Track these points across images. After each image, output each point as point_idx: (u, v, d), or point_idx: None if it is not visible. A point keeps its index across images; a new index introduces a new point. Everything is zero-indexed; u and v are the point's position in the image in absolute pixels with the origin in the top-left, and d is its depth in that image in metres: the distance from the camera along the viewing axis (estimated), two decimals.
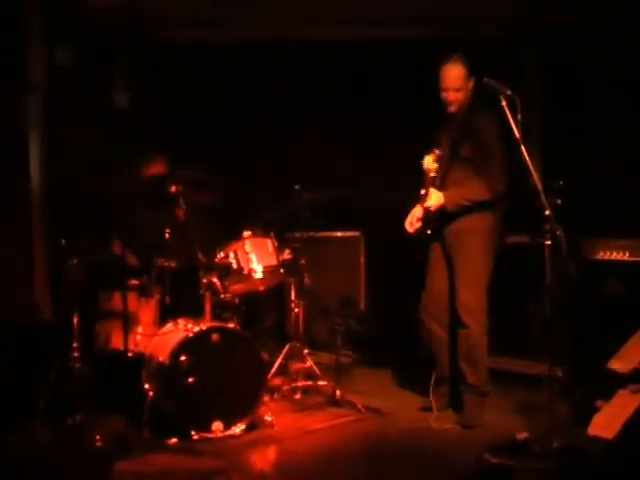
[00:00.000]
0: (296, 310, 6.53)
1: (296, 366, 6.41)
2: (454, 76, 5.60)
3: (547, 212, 4.57)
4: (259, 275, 6.00)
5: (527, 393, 6.07)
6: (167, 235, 6.06)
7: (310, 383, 6.42)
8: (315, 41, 8.10)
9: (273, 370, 6.31)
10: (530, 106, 7.28)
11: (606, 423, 4.81)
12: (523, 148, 4.67)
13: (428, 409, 5.79)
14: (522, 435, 5.01)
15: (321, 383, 6.36)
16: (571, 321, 5.70)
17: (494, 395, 6.02)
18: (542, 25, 7.65)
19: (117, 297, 5.87)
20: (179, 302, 6.10)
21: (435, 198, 5.57)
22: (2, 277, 6.36)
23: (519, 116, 4.68)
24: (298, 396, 6.36)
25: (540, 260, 4.68)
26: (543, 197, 4.60)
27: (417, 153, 5.65)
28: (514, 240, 6.64)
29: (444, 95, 5.65)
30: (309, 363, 6.40)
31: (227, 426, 5.40)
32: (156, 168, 6.55)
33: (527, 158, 4.66)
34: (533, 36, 7.86)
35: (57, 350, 5.74)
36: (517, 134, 4.69)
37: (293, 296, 6.56)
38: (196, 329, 5.50)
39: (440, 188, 5.60)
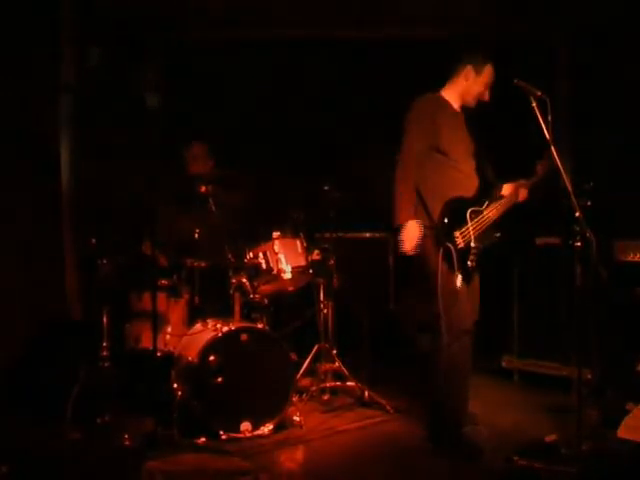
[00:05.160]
0: (325, 311, 6.53)
1: (325, 367, 6.42)
2: None
3: (577, 214, 4.55)
4: (288, 275, 6.00)
5: (556, 395, 6.06)
6: (197, 235, 6.08)
7: (339, 384, 6.43)
8: (348, 40, 8.14)
9: (302, 370, 6.33)
10: (560, 106, 7.26)
11: (636, 426, 4.79)
12: (553, 149, 4.65)
13: None
14: (551, 437, 5.00)
15: (349, 384, 6.36)
16: (601, 323, 5.67)
17: (523, 397, 6.00)
18: (573, 25, 7.61)
19: (147, 297, 5.90)
20: (208, 302, 6.11)
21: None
22: (33, 277, 6.40)
23: (549, 117, 4.66)
24: (326, 397, 6.37)
25: (570, 262, 4.65)
26: (573, 199, 4.58)
27: None
28: (544, 242, 6.63)
29: (487, 92, 5.40)
30: (337, 364, 6.41)
31: (255, 426, 5.41)
32: (197, 167, 6.58)
33: (557, 159, 4.64)
34: (564, 36, 7.83)
35: (87, 350, 5.77)
36: (547, 135, 4.67)
37: (322, 297, 6.57)
38: (225, 329, 5.52)
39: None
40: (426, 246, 5.13)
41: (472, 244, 5.07)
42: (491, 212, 5.24)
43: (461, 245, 5.06)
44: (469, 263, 5.10)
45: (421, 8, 7.58)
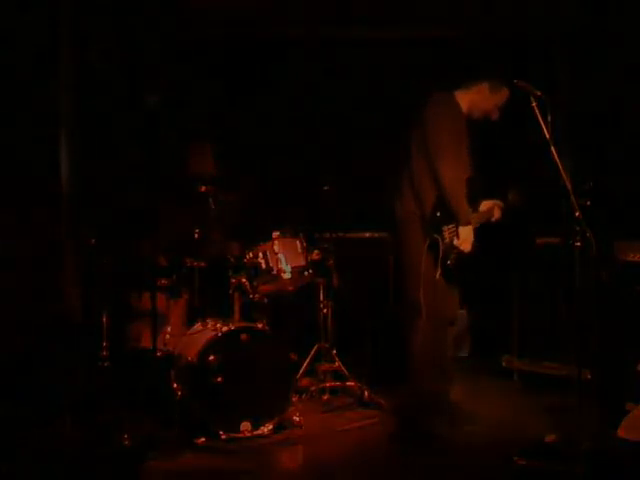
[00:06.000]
0: (325, 310, 6.53)
1: (324, 366, 6.41)
2: None
3: (577, 213, 4.55)
4: (288, 275, 5.99)
5: (556, 395, 6.05)
6: (196, 235, 6.08)
7: (338, 384, 6.42)
8: (348, 40, 8.14)
9: (301, 370, 6.33)
10: (560, 106, 7.25)
11: (636, 426, 4.79)
12: (553, 149, 4.65)
13: None
14: (551, 437, 4.99)
15: (349, 384, 6.35)
16: (601, 322, 5.67)
17: (523, 397, 5.99)
18: (573, 25, 7.61)
19: (147, 297, 5.89)
20: (207, 302, 6.10)
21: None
22: (33, 277, 6.40)
23: (549, 117, 4.66)
24: (326, 397, 6.35)
25: (570, 262, 4.65)
26: (573, 198, 4.58)
27: None
28: (544, 242, 6.63)
29: (496, 112, 5.55)
30: (337, 364, 6.40)
31: (255, 426, 5.41)
32: (198, 165, 6.59)
33: (557, 159, 4.64)
34: (564, 36, 7.83)
35: (87, 350, 5.77)
36: (547, 135, 4.67)
37: (322, 297, 6.56)
38: (225, 329, 5.52)
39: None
40: (412, 233, 5.36)
41: (455, 242, 5.25)
42: (473, 219, 5.40)
43: (447, 240, 5.24)
44: (449, 262, 5.25)
45: (421, 8, 7.58)
